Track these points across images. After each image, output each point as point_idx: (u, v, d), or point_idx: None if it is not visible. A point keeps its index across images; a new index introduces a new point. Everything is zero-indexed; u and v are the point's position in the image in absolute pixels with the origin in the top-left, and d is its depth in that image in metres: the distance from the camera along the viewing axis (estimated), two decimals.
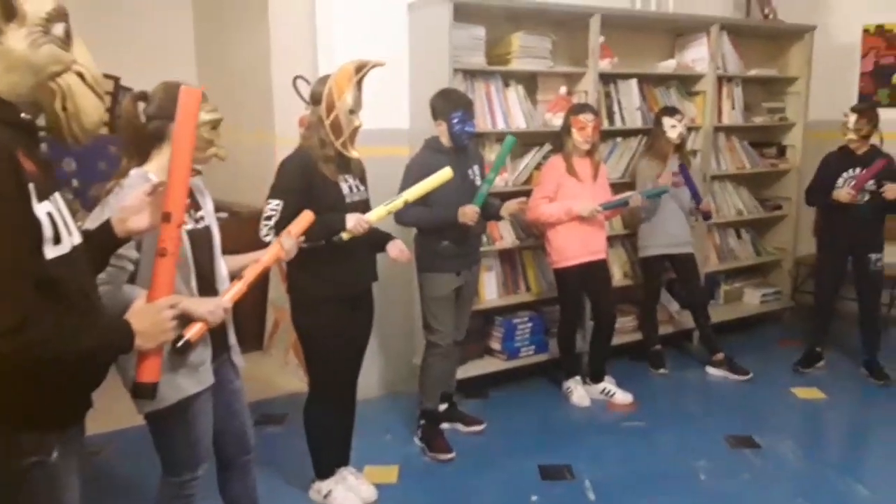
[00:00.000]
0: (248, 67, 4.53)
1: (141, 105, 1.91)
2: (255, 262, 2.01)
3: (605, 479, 3.00)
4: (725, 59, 4.63)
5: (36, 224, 1.22)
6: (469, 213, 2.96)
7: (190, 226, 1.92)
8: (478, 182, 3.13)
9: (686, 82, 4.57)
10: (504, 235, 3.95)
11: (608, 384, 3.82)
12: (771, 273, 5.24)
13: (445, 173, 2.61)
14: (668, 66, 4.46)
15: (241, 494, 2.23)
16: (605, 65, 4.05)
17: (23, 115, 1.27)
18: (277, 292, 4.21)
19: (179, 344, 1.74)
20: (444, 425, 3.39)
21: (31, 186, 1.21)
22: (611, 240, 4.14)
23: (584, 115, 3.53)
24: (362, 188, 2.65)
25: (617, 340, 4.04)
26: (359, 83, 2.47)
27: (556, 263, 3.66)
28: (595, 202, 3.54)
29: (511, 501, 2.87)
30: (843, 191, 3.80)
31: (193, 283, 1.90)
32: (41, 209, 1.23)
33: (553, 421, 3.59)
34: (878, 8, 5.09)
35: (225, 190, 4.36)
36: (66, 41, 1.29)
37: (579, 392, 3.78)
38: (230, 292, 1.89)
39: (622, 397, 3.76)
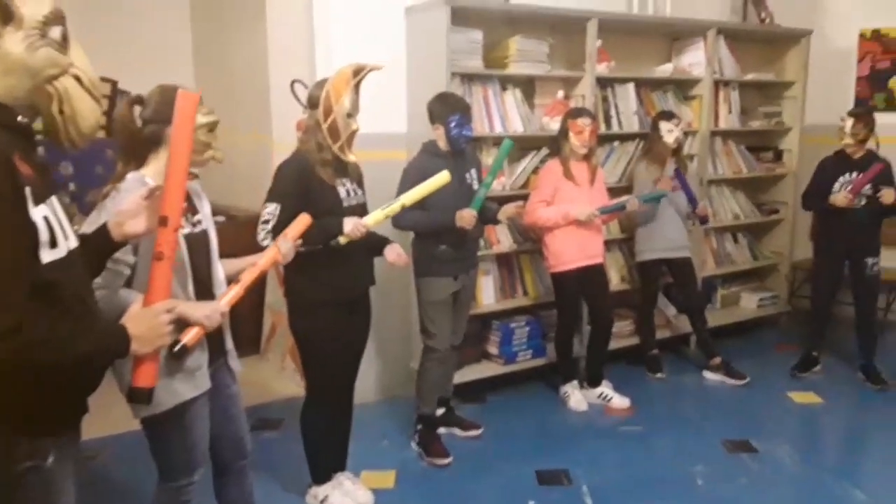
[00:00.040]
0: (246, 71, 4.54)
1: (137, 109, 1.90)
2: (252, 266, 2.01)
3: (603, 483, 2.99)
4: (722, 63, 4.64)
5: (32, 228, 1.22)
6: (467, 217, 2.96)
7: (187, 230, 1.91)
8: (475, 186, 3.13)
9: (683, 86, 4.58)
10: (501, 239, 3.95)
11: (605, 388, 3.82)
12: (768, 277, 5.25)
13: (443, 177, 2.61)
14: (665, 70, 4.47)
15: (237, 499, 2.23)
16: (603, 69, 4.06)
17: (19, 118, 1.27)
18: (274, 296, 4.20)
19: (176, 348, 1.73)
20: (442, 430, 3.38)
21: (27, 190, 1.21)
22: (608, 244, 4.14)
23: (581, 119, 3.53)
24: (360, 192, 2.65)
25: (614, 345, 4.04)
26: (356, 87, 2.47)
27: (554, 267, 3.66)
28: (592, 206, 3.54)
29: None
30: (840, 195, 3.81)
31: (190, 288, 1.89)
32: (37, 213, 1.23)
33: (550, 425, 3.59)
34: (874, 12, 5.11)
35: (222, 193, 4.36)
36: (63, 44, 1.29)
37: (576, 396, 3.78)
38: (227, 296, 1.89)
39: (619, 402, 3.76)
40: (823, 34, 5.13)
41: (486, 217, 3.19)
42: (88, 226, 1.70)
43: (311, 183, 2.49)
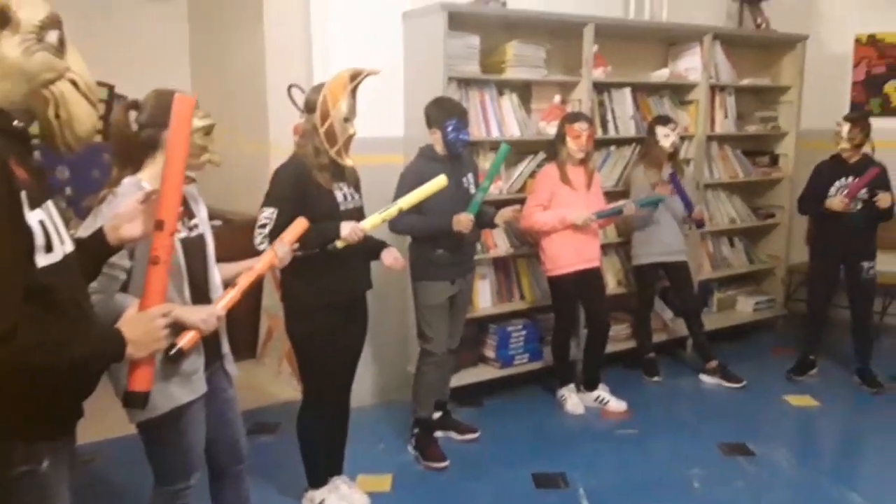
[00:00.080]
0: (243, 75, 4.54)
1: (133, 114, 1.90)
2: (248, 270, 2.01)
3: (600, 487, 2.99)
4: (718, 68, 4.66)
5: (28, 232, 1.22)
6: (464, 221, 2.96)
7: (184, 234, 1.91)
8: (472, 190, 3.13)
9: (679, 91, 4.60)
10: (498, 243, 3.95)
11: (602, 392, 3.82)
12: (764, 281, 5.26)
13: (440, 181, 2.61)
14: (661, 75, 4.48)
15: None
16: (599, 74, 4.07)
17: (15, 122, 1.27)
18: (271, 300, 4.20)
19: (172, 352, 1.73)
20: (438, 433, 3.38)
21: (23, 194, 1.21)
22: (605, 248, 4.15)
23: (579, 124, 3.54)
24: (357, 196, 2.65)
25: (611, 348, 4.04)
26: (353, 91, 2.48)
27: (551, 271, 3.67)
28: (589, 211, 3.55)
29: None
30: (837, 199, 3.82)
31: (187, 292, 1.89)
32: (33, 217, 1.23)
33: (547, 429, 3.59)
34: (869, 18, 5.14)
35: (219, 197, 4.36)
36: (59, 49, 1.29)
37: (573, 400, 3.78)
38: (224, 300, 1.89)
39: (616, 405, 3.76)
40: (819, 39, 5.15)
41: (483, 221, 3.19)
42: (84, 230, 1.70)
43: (308, 187, 2.49)
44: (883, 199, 3.72)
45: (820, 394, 3.96)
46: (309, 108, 2.52)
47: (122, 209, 1.58)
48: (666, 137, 3.96)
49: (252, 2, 4.18)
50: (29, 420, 1.29)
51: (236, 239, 2.79)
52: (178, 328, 1.70)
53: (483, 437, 3.44)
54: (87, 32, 2.93)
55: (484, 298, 3.93)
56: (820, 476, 3.12)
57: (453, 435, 3.44)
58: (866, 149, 3.89)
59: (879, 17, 5.10)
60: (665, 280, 4.26)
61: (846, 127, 3.84)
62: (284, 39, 3.91)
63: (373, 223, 2.52)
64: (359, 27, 3.52)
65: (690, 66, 4.53)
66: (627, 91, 4.30)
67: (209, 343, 1.94)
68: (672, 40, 4.61)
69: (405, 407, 3.50)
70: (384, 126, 3.57)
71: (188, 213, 1.97)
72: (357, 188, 2.67)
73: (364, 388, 3.58)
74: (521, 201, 3.67)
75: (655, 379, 4.18)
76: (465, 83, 3.70)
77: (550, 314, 3.90)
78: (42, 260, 1.25)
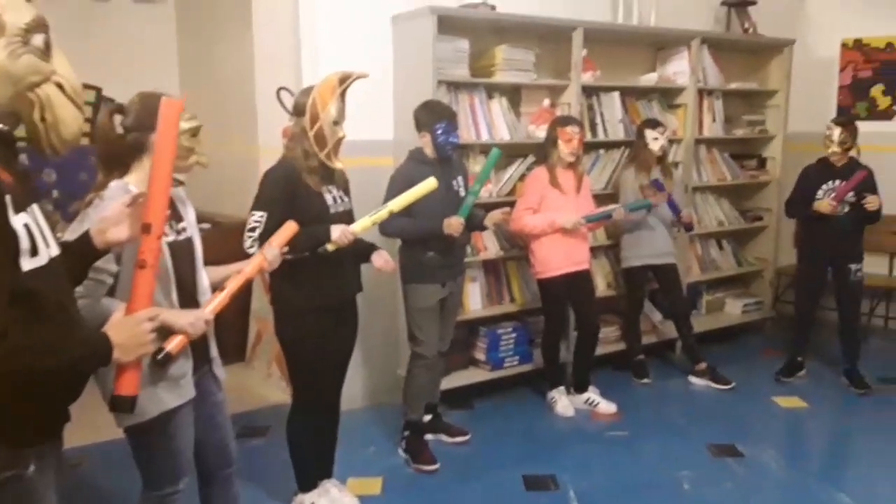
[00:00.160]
0: (232, 78, 4.53)
1: (118, 118, 1.89)
2: (237, 274, 2.00)
3: (590, 488, 3.00)
4: (706, 72, 4.69)
5: (12, 236, 1.21)
6: (454, 224, 2.96)
7: (171, 237, 1.90)
8: (462, 193, 3.14)
9: (667, 95, 4.62)
10: (488, 246, 3.96)
11: (592, 394, 3.83)
12: (752, 283, 5.29)
13: (430, 183, 2.62)
14: (649, 79, 4.51)
15: None
16: (588, 78, 4.09)
17: (0, 125, 1.26)
18: (260, 303, 4.18)
19: (160, 356, 1.72)
20: (429, 436, 3.38)
21: (7, 198, 1.20)
22: (594, 250, 4.17)
23: (570, 128, 3.56)
24: (346, 199, 2.65)
25: (600, 350, 4.06)
26: (342, 94, 2.48)
27: (540, 274, 3.68)
28: (578, 214, 3.56)
29: None
30: (825, 202, 3.85)
31: (174, 295, 1.88)
32: (18, 221, 1.22)
33: (537, 431, 3.59)
34: (856, 22, 5.19)
35: (208, 200, 4.35)
36: (45, 52, 1.28)
37: (563, 402, 3.79)
38: (212, 304, 1.88)
39: (606, 407, 3.77)
40: (806, 44, 5.19)
41: (473, 224, 3.19)
42: (71, 234, 1.69)
43: (297, 190, 2.49)
44: (872, 202, 3.75)
45: (808, 395, 3.99)
46: (298, 111, 2.51)
47: (109, 212, 1.57)
48: (655, 141, 3.99)
49: (241, 4, 4.17)
50: (15, 424, 1.28)
51: (225, 242, 2.78)
52: (165, 332, 1.69)
53: (473, 440, 3.44)
54: (75, 35, 2.92)
55: (474, 301, 3.94)
56: (808, 477, 3.14)
57: (444, 437, 3.43)
58: (852, 152, 3.93)
59: (866, 22, 5.15)
60: (654, 282, 4.27)
61: (837, 130, 3.87)
62: (273, 42, 3.91)
63: (363, 226, 2.52)
64: (348, 30, 3.53)
65: (679, 70, 4.56)
66: (616, 95, 4.33)
67: (197, 347, 1.93)
68: (660, 44, 4.64)
69: (395, 410, 3.50)
70: (374, 129, 3.57)
71: (176, 217, 1.96)
72: (346, 191, 2.67)
73: (354, 391, 3.58)
74: (511, 204, 3.68)
75: (645, 381, 4.19)
76: (454, 87, 3.71)
77: (540, 317, 3.91)
78: (27, 264, 1.24)
